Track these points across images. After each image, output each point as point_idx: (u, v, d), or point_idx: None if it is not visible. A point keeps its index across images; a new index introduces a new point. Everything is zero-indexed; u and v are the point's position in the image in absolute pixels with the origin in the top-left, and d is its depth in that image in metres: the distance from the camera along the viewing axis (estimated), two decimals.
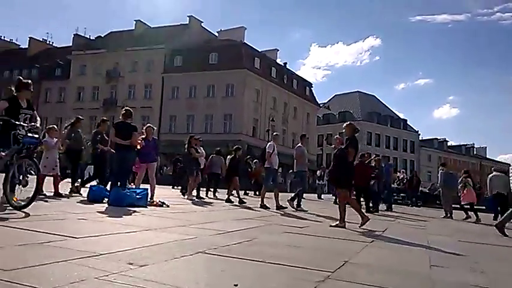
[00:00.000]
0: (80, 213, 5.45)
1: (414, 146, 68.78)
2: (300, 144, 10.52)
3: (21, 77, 5.98)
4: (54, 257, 2.61)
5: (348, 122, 7.19)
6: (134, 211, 6.28)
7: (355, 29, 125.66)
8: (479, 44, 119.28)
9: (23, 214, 4.71)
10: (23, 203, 4.94)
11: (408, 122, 70.63)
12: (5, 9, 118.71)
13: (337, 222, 6.39)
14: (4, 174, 5.15)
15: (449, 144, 76.55)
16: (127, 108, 8.27)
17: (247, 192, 17.13)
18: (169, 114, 42.27)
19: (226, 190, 12.34)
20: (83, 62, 47.97)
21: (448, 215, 12.00)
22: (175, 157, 20.85)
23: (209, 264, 2.96)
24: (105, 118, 9.80)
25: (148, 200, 7.74)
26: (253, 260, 3.11)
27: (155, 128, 9.77)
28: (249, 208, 9.44)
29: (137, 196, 7.17)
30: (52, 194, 7.92)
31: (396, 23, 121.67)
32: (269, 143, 9.88)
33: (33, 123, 5.42)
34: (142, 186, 8.55)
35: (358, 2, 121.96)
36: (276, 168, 9.88)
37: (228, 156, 13.06)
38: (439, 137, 75.51)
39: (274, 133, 10.29)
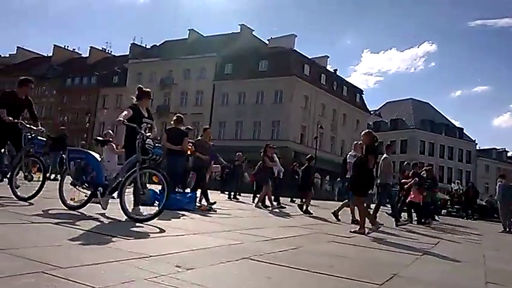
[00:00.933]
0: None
1: (471, 155, 65.40)
2: (385, 155, 9.73)
3: (141, 86, 5.98)
4: (106, 257, 2.74)
5: (367, 130, 7.27)
6: (183, 215, 6.44)
7: (410, 34, 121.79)
8: None
9: (79, 215, 4.96)
10: (145, 216, 4.86)
11: (464, 131, 67.37)
12: (68, 21, 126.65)
13: (358, 228, 6.44)
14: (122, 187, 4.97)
15: (509, 154, 72.09)
16: (178, 114, 8.54)
17: (294, 199, 17.05)
18: (219, 121, 43.00)
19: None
20: (139, 69, 50.01)
21: (507, 229, 11.34)
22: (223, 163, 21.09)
23: (254, 270, 2.98)
24: (207, 127, 9.95)
25: (197, 204, 7.91)
26: (299, 269, 3.09)
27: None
28: (319, 218, 9.37)
29: (186, 200, 7.35)
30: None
31: (453, 28, 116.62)
32: (350, 153, 9.24)
33: (149, 133, 5.25)
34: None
35: (412, 7, 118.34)
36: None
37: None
38: (498, 147, 71.39)
39: (355, 142, 9.58)
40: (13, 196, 5.53)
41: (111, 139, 7.67)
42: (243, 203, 12.11)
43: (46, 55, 66.73)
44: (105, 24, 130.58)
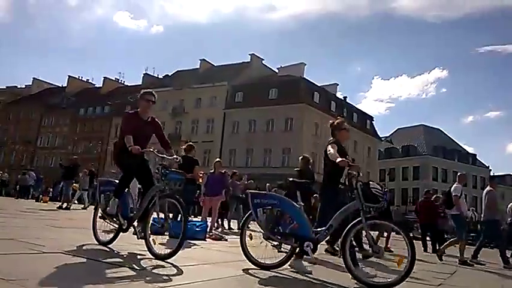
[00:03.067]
0: (142, 245, 5.62)
1: (485, 182, 64.27)
2: (490, 188, 8.74)
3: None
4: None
5: (303, 156, 7.78)
6: (194, 244, 6.37)
7: (420, 60, 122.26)
8: None
9: (89, 241, 4.94)
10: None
11: (478, 157, 66.55)
12: (83, 52, 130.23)
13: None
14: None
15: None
16: (189, 143, 8.65)
17: None
18: (229, 148, 43.16)
19: None
20: None
21: None
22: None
23: None
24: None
25: (207, 233, 7.84)
26: None
27: (221, 164, 9.89)
28: None
29: (196, 229, 7.29)
30: None
31: (463, 54, 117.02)
32: (455, 185, 8.27)
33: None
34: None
35: (422, 33, 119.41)
36: (466, 215, 8.61)
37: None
38: None
39: (459, 173, 8.79)
40: (148, 253, 4.41)
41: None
42: (254, 231, 11.98)
43: (61, 85, 68.35)
44: (118, 55, 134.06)
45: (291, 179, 4.87)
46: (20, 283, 2.56)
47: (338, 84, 51.43)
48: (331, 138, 5.21)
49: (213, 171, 9.31)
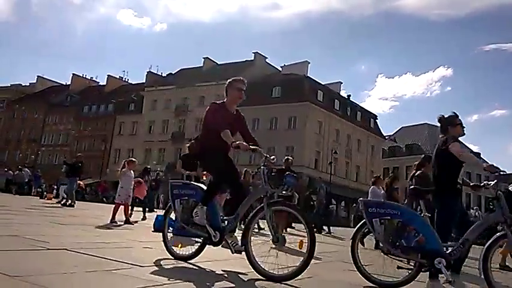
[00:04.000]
0: (146, 242, 5.65)
1: (489, 181, 64.03)
2: None
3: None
4: (121, 285, 2.72)
5: (286, 158, 7.58)
6: (198, 241, 6.37)
7: (425, 59, 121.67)
8: None
9: (94, 241, 4.96)
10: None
11: (482, 156, 66.25)
12: (87, 50, 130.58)
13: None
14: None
15: None
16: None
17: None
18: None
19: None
20: (155, 97, 50.91)
21: None
22: None
23: None
24: None
25: None
26: None
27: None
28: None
29: None
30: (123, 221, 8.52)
31: (468, 52, 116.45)
32: None
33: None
34: None
35: (426, 31, 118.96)
36: None
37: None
38: None
39: None
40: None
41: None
42: (260, 228, 11.95)
43: (65, 84, 68.55)
44: (122, 53, 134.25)
45: (412, 186, 4.75)
46: (24, 279, 2.57)
47: (342, 83, 51.45)
48: (442, 135, 4.76)
49: None
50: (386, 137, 59.70)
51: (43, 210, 10.87)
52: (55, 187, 27.76)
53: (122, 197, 8.72)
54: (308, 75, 45.39)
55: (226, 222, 3.91)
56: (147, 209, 13.14)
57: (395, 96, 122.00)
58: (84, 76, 68.09)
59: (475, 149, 70.05)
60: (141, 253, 4.58)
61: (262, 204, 3.68)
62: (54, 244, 4.27)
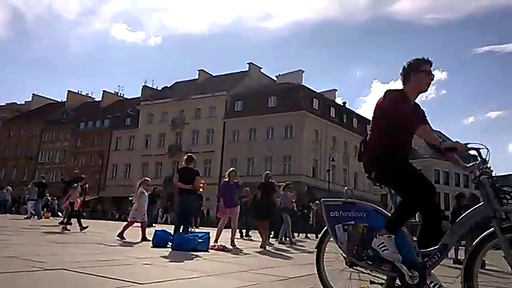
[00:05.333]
0: (145, 258, 5.60)
1: None
2: None
3: None
4: None
5: (266, 172, 8.80)
6: (196, 256, 6.34)
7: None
8: None
9: (94, 260, 4.92)
10: None
11: (479, 158, 66.49)
12: (81, 66, 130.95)
13: None
14: None
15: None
16: (189, 154, 8.66)
17: (308, 235, 17.01)
18: (230, 158, 43.17)
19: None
20: (151, 111, 50.94)
21: None
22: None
23: None
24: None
25: (211, 244, 7.80)
26: None
27: (237, 174, 9.46)
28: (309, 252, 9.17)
29: (199, 240, 7.26)
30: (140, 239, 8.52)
31: (462, 55, 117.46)
32: None
33: None
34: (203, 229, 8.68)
35: (419, 36, 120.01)
36: None
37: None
38: None
39: None
40: None
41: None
42: (254, 240, 11.90)
43: (60, 100, 68.58)
44: (117, 67, 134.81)
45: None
46: None
47: (337, 90, 51.70)
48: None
49: (227, 180, 9.09)
50: None
51: (40, 229, 10.79)
52: (25, 206, 27.68)
53: (139, 217, 8.94)
54: (303, 83, 45.62)
55: (424, 256, 2.82)
56: None
57: None
58: (79, 92, 68.20)
59: (471, 151, 70.10)
60: (140, 270, 4.53)
61: (489, 231, 2.56)
62: (52, 264, 4.22)
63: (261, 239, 9.22)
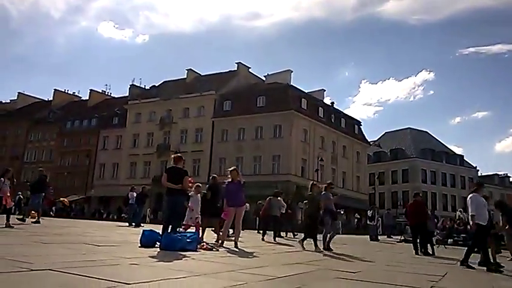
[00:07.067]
0: (132, 258, 5.58)
1: (473, 182, 65.21)
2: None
3: None
4: None
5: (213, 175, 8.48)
6: (185, 255, 6.33)
7: (407, 63, 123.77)
8: None
9: (81, 260, 4.88)
10: None
11: (465, 158, 67.47)
12: (68, 65, 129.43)
13: None
14: None
15: (511, 180, 71.72)
16: (177, 154, 8.61)
17: (295, 233, 17.28)
18: (219, 157, 43.09)
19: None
20: (139, 110, 50.58)
21: None
22: None
23: None
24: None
25: (199, 243, 7.80)
26: None
27: (239, 173, 9.11)
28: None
29: (188, 240, 7.25)
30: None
31: (449, 56, 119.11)
32: None
33: None
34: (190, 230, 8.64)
35: (407, 36, 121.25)
36: None
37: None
38: (500, 173, 71.27)
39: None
40: None
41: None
42: (241, 242, 11.91)
43: (46, 99, 67.73)
44: (104, 66, 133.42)
45: None
46: None
47: (325, 90, 51.93)
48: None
49: (230, 180, 8.81)
50: (371, 143, 60.31)
51: (26, 229, 10.65)
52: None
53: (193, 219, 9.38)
54: (291, 83, 45.72)
55: None
56: (133, 224, 12.90)
57: (379, 101, 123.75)
58: (66, 91, 67.40)
59: (459, 151, 71.20)
60: (128, 270, 4.51)
61: None
62: (38, 264, 4.18)
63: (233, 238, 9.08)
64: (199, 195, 9.66)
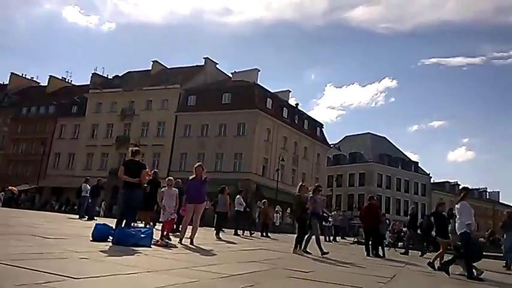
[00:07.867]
0: (83, 252, 5.42)
1: (426, 188, 67.97)
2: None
3: None
4: None
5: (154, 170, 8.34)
6: (137, 251, 6.21)
7: (371, 70, 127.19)
8: (496, 87, 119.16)
9: (27, 252, 4.70)
10: None
11: (419, 165, 70.17)
12: (28, 49, 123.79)
13: None
14: None
15: (461, 187, 75.27)
16: (135, 148, 8.42)
17: (252, 232, 17.45)
18: (181, 152, 42.58)
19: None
20: (99, 100, 49.10)
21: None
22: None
23: None
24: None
25: (153, 239, 7.68)
26: None
27: (204, 169, 8.93)
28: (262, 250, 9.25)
29: (142, 235, 7.12)
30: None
31: (411, 65, 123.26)
32: None
33: None
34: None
35: (374, 44, 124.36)
36: None
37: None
38: (451, 180, 74.62)
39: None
40: None
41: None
42: (233, 242, 11.86)
43: (2, 83, 64.53)
44: (66, 52, 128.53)
45: None
46: None
47: (290, 91, 52.32)
48: None
49: (194, 176, 8.70)
50: (332, 145, 61.50)
51: None
52: None
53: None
54: (258, 82, 45.82)
55: None
56: (86, 217, 12.53)
57: (342, 105, 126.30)
58: (23, 76, 64.50)
59: (415, 157, 73.87)
60: (77, 264, 4.38)
61: None
62: None
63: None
64: (175, 189, 9.23)
